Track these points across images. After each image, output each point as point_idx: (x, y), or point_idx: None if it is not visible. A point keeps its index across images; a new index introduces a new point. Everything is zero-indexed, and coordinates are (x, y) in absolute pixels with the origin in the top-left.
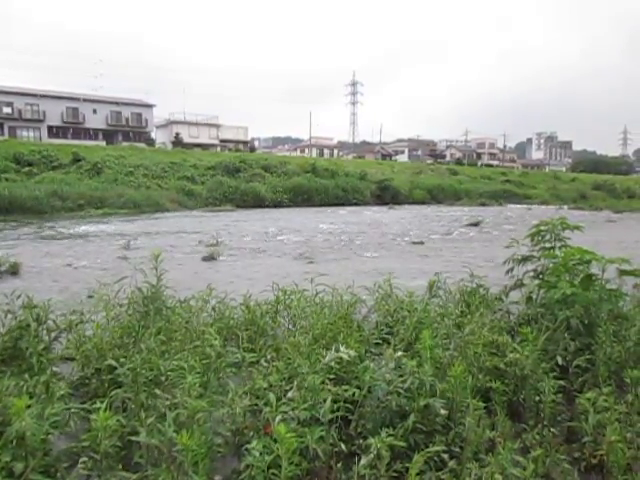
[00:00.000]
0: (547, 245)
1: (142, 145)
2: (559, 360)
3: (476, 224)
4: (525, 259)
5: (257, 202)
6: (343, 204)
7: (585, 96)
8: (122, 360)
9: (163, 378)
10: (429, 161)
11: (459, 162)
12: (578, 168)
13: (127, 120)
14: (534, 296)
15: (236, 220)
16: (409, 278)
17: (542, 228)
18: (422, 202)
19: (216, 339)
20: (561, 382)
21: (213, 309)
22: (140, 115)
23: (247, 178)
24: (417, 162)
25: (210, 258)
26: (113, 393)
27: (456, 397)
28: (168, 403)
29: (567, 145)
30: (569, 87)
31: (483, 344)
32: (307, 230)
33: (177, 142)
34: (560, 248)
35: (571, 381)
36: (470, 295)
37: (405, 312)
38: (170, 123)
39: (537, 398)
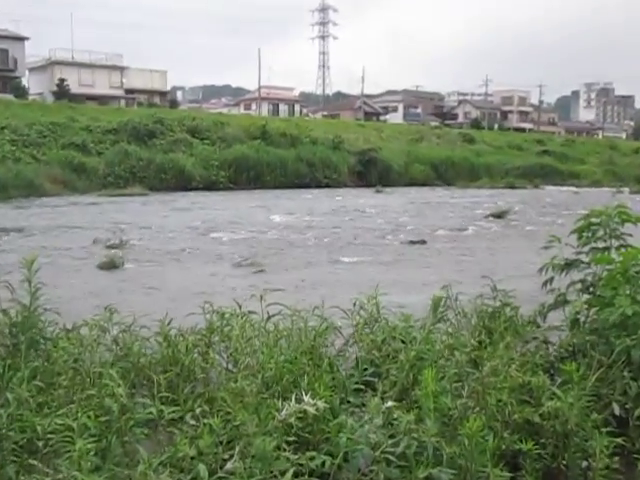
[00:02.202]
0: (600, 245)
1: (8, 97)
2: (616, 409)
3: (501, 215)
4: (569, 265)
5: (181, 182)
6: (308, 185)
7: None
8: None
9: (41, 443)
10: (434, 123)
11: (477, 124)
12: None
13: None
14: (582, 318)
15: (149, 209)
16: (405, 293)
17: (593, 221)
18: (423, 183)
19: (119, 385)
20: (618, 440)
21: (115, 341)
22: (5, 52)
23: (166, 147)
24: (416, 124)
25: (110, 266)
26: None
27: (471, 465)
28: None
29: (628, 101)
30: (634, 19)
31: (510, 388)
32: (254, 224)
33: (61, 93)
34: (618, 249)
35: (632, 439)
36: (492, 318)
37: (399, 343)
38: (51, 64)
39: (585, 463)
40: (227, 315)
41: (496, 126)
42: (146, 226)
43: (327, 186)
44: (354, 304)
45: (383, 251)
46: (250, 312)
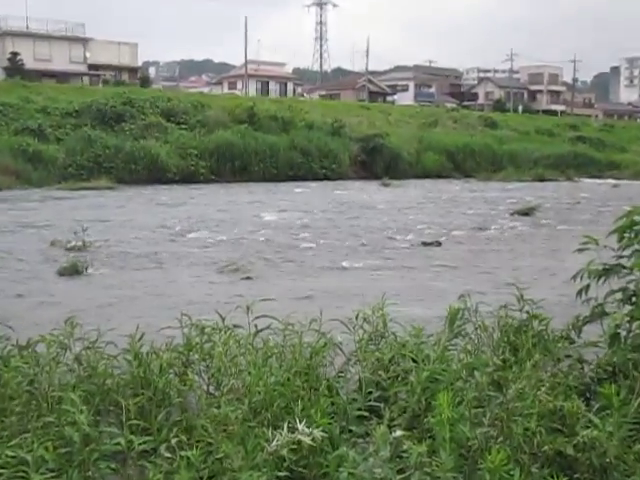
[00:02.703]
0: None
1: None
2: None
3: (528, 212)
4: (608, 271)
5: (154, 174)
6: (304, 177)
7: None
8: None
9: None
10: (450, 104)
11: (500, 106)
12: None
13: None
14: (623, 333)
15: (116, 205)
16: (416, 304)
17: (636, 219)
18: (438, 174)
19: (82, 412)
20: None
21: (77, 360)
22: None
23: (136, 132)
24: (430, 106)
25: (72, 271)
26: None
27: None
28: None
29: None
30: None
31: (539, 415)
32: (240, 223)
33: (14, 69)
34: None
35: None
36: (518, 332)
37: (409, 363)
38: (1, 35)
39: None
40: (208, 329)
41: (522, 108)
42: (113, 225)
43: (325, 178)
44: (357, 316)
45: (391, 255)
46: (235, 326)
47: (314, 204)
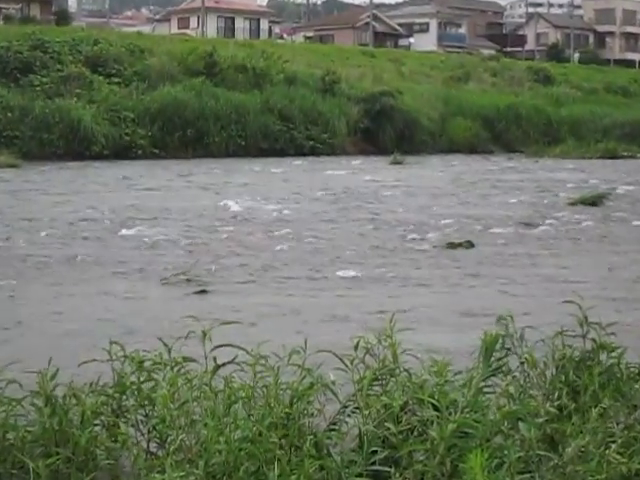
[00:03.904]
0: None
1: None
2: None
3: (595, 201)
4: None
5: (74, 147)
6: (283, 152)
7: None
8: None
9: None
10: (487, 51)
11: (556, 54)
12: None
13: None
14: None
15: (21, 190)
16: (438, 329)
17: None
18: (470, 148)
19: None
20: None
21: None
22: None
23: (50, 88)
24: (459, 53)
25: None
26: None
27: None
28: None
29: None
30: None
31: None
32: (194, 216)
33: None
34: None
35: None
36: (580, 368)
37: (428, 410)
38: None
39: None
40: (148, 364)
41: (587, 57)
42: (16, 218)
43: (313, 153)
44: (356, 346)
45: (403, 260)
46: (186, 359)
47: (297, 189)
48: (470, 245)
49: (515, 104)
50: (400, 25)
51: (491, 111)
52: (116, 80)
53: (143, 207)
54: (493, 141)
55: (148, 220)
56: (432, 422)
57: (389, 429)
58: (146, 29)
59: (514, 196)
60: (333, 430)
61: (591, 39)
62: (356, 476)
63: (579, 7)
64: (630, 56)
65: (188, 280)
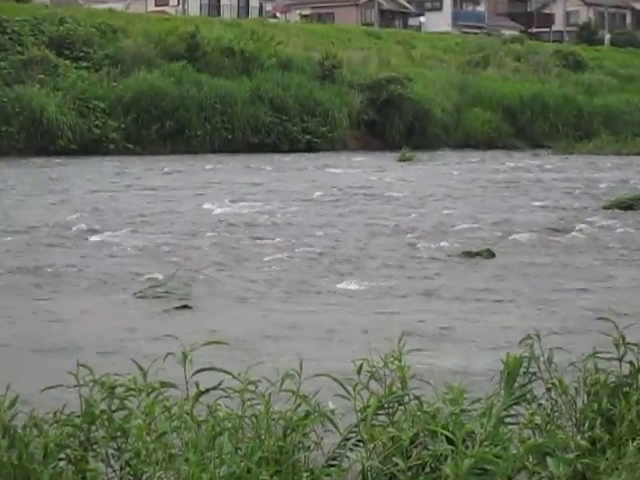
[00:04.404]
0: None
1: None
2: None
3: (632, 205)
4: None
5: (37, 141)
6: (276, 147)
7: None
8: None
9: None
10: (509, 32)
11: (588, 35)
12: None
13: None
14: None
15: None
16: (452, 350)
17: None
18: (490, 143)
19: None
20: None
21: None
22: None
23: (9, 74)
24: (477, 34)
25: None
26: None
27: None
28: None
29: None
30: None
31: None
32: (174, 220)
33: None
34: None
35: None
36: (615, 396)
37: (442, 444)
38: None
39: None
40: (121, 390)
41: (623, 39)
42: None
43: (310, 149)
44: (358, 370)
45: (412, 271)
46: (164, 384)
47: (291, 190)
48: (490, 254)
49: (541, 93)
50: (409, 2)
51: (514, 101)
52: (85, 64)
53: (115, 210)
54: (516, 135)
55: (121, 225)
56: (446, 457)
57: (397, 465)
58: (119, 6)
59: (540, 198)
60: (332, 466)
61: (628, 18)
62: None
63: None
64: None
65: (167, 293)
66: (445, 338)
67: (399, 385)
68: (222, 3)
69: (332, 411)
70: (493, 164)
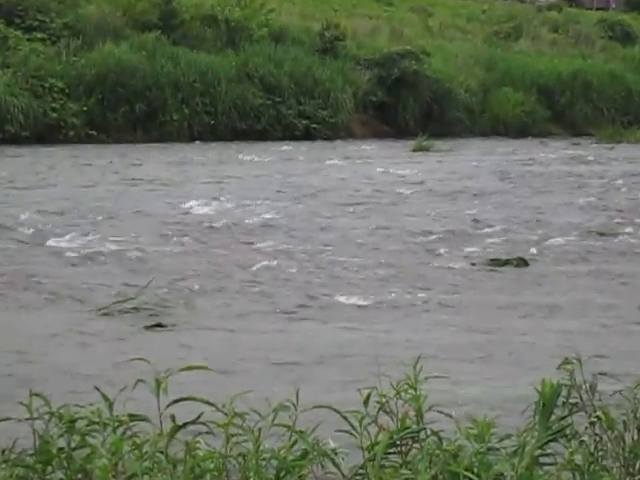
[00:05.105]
0: None
1: None
2: None
3: None
4: None
5: None
6: (268, 135)
7: None
8: None
9: None
10: None
11: (638, 2)
12: None
13: None
14: None
15: None
16: (477, 376)
17: None
18: (522, 130)
19: None
20: None
21: None
22: None
23: None
24: (505, 0)
25: None
26: None
27: None
28: None
29: None
30: None
31: None
32: (144, 220)
33: None
34: None
35: None
36: None
37: None
38: None
39: None
40: (82, 423)
41: None
42: None
43: (308, 136)
44: (366, 400)
45: (430, 282)
46: (134, 417)
47: (285, 185)
48: (522, 263)
49: (583, 70)
50: None
51: (550, 79)
52: (39, 36)
53: (76, 209)
54: (553, 120)
55: (83, 227)
56: None
57: None
58: None
59: (581, 195)
60: None
61: None
62: None
63: None
64: None
65: (137, 309)
66: (469, 362)
67: (414, 418)
68: None
69: (334, 450)
70: (526, 155)
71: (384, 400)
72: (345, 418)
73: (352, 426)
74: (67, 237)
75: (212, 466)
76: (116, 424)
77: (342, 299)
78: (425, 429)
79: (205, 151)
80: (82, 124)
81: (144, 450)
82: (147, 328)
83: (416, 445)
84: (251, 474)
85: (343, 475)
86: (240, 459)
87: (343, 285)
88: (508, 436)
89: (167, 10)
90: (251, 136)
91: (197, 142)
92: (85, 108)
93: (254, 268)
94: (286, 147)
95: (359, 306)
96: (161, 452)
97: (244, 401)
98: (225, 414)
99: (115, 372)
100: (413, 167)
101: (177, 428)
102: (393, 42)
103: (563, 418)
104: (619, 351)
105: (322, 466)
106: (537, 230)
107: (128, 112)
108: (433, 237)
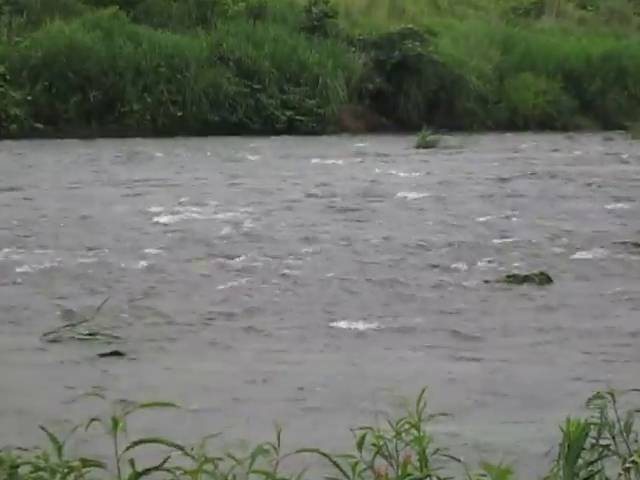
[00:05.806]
0: None
1: None
2: None
3: None
4: None
5: None
6: (246, 129)
7: None
8: None
9: None
10: None
11: None
12: None
13: None
14: None
15: None
16: (492, 413)
17: None
18: (543, 122)
19: None
20: None
21: None
22: None
23: None
24: None
25: None
26: None
27: None
28: None
29: None
30: None
31: None
32: (100, 231)
33: None
34: None
35: None
36: None
37: None
38: None
39: None
40: (27, 469)
41: None
42: None
43: (293, 130)
44: (360, 442)
45: (437, 303)
46: (87, 462)
47: (264, 189)
48: (546, 279)
49: (616, 52)
50: None
51: (578, 63)
52: None
53: (19, 216)
54: (581, 111)
55: (27, 237)
56: None
57: None
58: None
59: (614, 200)
60: None
61: None
62: None
63: None
64: None
65: (91, 335)
66: (481, 396)
67: (416, 464)
68: None
69: None
70: (549, 152)
71: (381, 442)
72: (335, 463)
73: (344, 473)
74: (5, 251)
75: None
76: (66, 470)
77: (331, 324)
78: (430, 476)
79: (170, 148)
80: (26, 116)
81: None
82: (102, 356)
83: None
84: None
85: None
86: None
87: (331, 307)
88: None
89: None
90: (225, 130)
91: (161, 137)
92: (30, 97)
93: (226, 286)
94: (266, 143)
95: (351, 331)
96: None
97: (217, 443)
98: (194, 459)
99: (65, 409)
100: (416, 167)
101: (137, 475)
102: (393, 20)
103: (592, 463)
104: None
105: None
106: (562, 241)
107: (81, 102)
108: (439, 250)
